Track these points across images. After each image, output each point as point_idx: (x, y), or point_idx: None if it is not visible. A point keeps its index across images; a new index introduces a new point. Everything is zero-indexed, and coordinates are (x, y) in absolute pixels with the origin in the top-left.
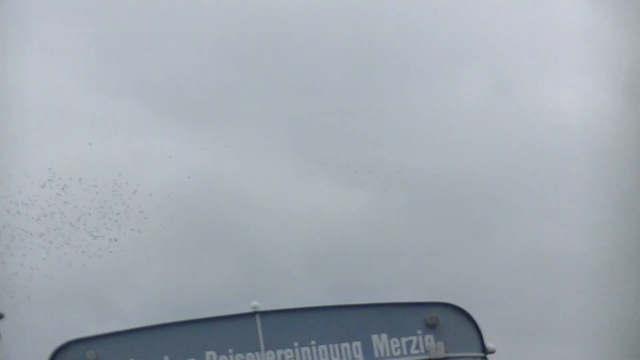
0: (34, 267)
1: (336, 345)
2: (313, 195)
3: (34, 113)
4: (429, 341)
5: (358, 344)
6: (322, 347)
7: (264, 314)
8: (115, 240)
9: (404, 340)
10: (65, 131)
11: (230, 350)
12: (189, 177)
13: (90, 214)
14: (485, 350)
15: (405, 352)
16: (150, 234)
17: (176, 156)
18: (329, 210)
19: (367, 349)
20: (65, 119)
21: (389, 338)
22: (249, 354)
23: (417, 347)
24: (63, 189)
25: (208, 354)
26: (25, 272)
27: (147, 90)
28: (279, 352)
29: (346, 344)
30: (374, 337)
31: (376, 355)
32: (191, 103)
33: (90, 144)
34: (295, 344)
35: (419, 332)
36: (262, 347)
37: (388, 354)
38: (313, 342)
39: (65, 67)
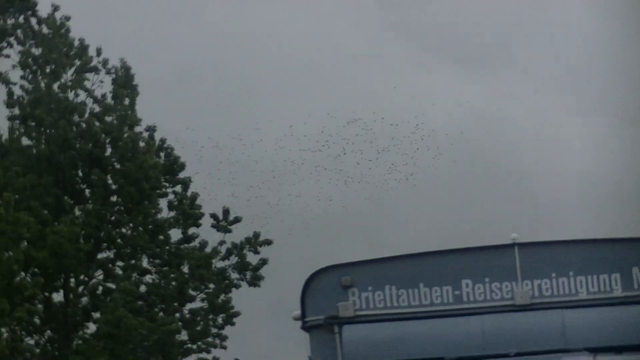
0: (331, 199)
1: (594, 277)
2: (589, 134)
3: (340, 57)
4: None
5: (617, 275)
6: (580, 278)
7: (522, 245)
8: (412, 175)
9: None
10: (367, 75)
11: (487, 279)
12: (478, 118)
13: (389, 151)
14: None
15: None
16: (443, 170)
17: (466, 101)
18: (607, 149)
19: (627, 281)
20: (366, 62)
21: None
22: (505, 283)
23: None
24: (364, 128)
25: (464, 282)
26: (317, 203)
27: (434, 36)
28: (536, 282)
29: (605, 276)
30: (635, 269)
31: (635, 286)
32: (476, 50)
33: (394, 87)
34: (553, 274)
35: None
36: (519, 277)
37: None
38: (571, 274)
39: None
